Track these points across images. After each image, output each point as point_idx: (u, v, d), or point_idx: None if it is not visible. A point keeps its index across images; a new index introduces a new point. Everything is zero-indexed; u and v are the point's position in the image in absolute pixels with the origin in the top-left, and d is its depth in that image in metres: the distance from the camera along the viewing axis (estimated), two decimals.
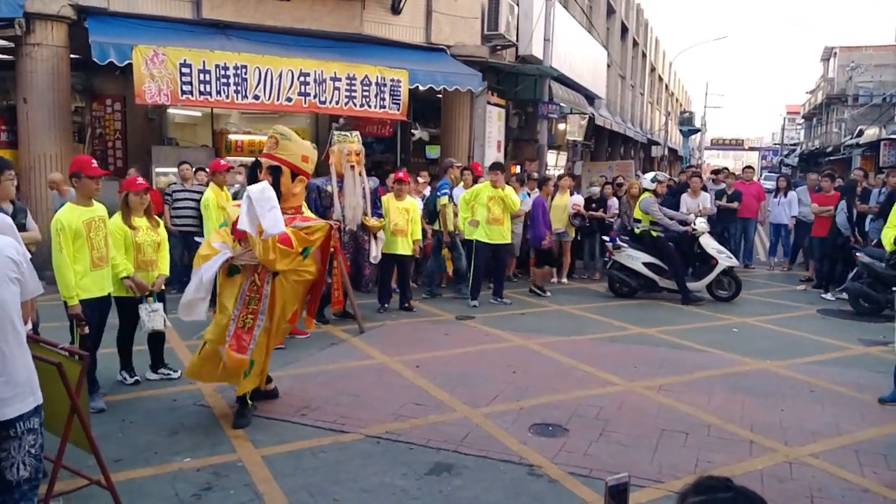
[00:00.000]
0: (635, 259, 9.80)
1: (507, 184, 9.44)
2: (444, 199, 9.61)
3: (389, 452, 4.45)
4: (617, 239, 10.01)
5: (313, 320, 5.38)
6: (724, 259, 9.79)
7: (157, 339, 5.83)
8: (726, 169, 14.00)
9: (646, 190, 10.07)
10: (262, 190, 4.48)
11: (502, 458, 4.40)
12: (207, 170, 8.85)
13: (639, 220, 10.04)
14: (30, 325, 3.80)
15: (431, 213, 9.78)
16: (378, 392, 5.52)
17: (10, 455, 2.75)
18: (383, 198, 8.79)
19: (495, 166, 9.32)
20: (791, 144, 69.96)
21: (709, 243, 9.89)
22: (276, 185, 4.70)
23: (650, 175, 10.49)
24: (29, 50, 9.41)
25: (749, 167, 13.84)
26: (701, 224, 9.97)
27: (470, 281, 9.22)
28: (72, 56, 10.03)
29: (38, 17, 9.30)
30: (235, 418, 4.82)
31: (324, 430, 4.79)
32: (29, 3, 9.13)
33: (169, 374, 5.92)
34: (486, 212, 8.94)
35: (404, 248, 8.53)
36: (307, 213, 5.37)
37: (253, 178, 4.93)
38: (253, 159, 11.49)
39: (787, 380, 6.21)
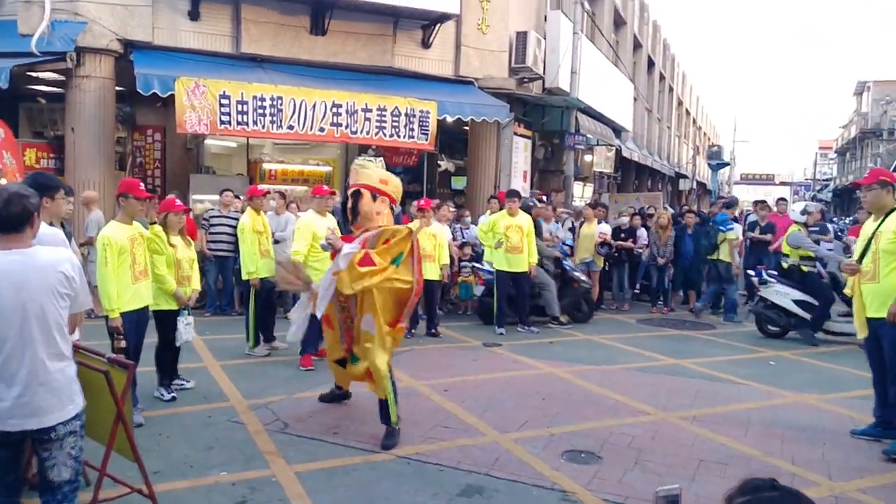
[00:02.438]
0: (785, 296, 9.17)
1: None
2: (731, 234, 10.51)
3: (420, 473, 4.48)
4: (764, 273, 9.53)
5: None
6: None
7: (174, 353, 6.03)
8: (764, 201, 13.81)
9: (795, 223, 9.54)
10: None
11: (534, 482, 4.39)
12: (242, 197, 9.07)
13: (787, 255, 9.49)
14: (77, 336, 3.94)
15: (714, 245, 10.48)
16: (406, 414, 5.52)
17: (52, 456, 2.88)
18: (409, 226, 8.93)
19: (511, 194, 9.40)
20: (824, 180, 69.25)
21: None
22: (355, 207, 5.12)
23: (800, 206, 10.28)
24: (78, 82, 9.82)
25: (782, 199, 13.73)
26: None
27: (494, 309, 9.29)
28: (116, 88, 10.40)
29: (87, 50, 9.72)
30: (384, 439, 4.93)
31: (355, 449, 4.84)
32: (80, 38, 9.55)
33: (182, 385, 6.14)
34: (505, 240, 9.02)
35: (432, 273, 8.61)
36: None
37: (345, 206, 5.42)
38: (286, 187, 11.84)
39: (828, 413, 6.09)
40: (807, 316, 9.11)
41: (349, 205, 5.19)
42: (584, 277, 10.19)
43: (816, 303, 9.08)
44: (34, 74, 10.81)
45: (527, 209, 9.69)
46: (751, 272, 10.00)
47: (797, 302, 9.19)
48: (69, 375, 2.95)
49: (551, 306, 9.60)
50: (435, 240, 8.72)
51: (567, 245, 11.13)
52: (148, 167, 12.92)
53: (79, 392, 3.00)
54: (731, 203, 11.54)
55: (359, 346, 5.08)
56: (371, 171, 5.26)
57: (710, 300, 11.06)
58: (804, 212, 9.85)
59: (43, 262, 2.85)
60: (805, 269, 9.23)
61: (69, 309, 2.96)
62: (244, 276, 7.44)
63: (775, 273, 9.64)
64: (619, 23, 23.21)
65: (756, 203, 13.84)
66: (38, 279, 2.81)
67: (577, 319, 10.09)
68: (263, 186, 8.93)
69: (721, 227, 10.47)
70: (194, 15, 10.32)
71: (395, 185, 5.38)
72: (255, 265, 7.34)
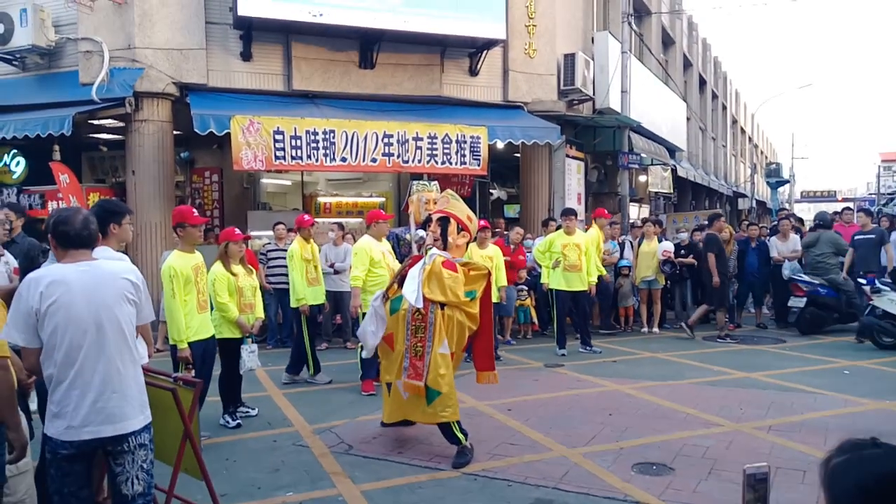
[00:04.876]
0: None
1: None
2: None
3: (487, 489, 4.39)
4: (876, 281, 9.23)
5: (488, 374, 5.43)
6: None
7: (237, 380, 6.07)
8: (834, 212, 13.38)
9: None
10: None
11: (605, 494, 4.26)
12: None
13: None
14: (146, 358, 4.01)
15: None
16: (471, 433, 5.40)
17: (125, 470, 2.92)
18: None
19: (567, 212, 9.31)
20: (889, 193, 66.77)
21: None
22: (444, 234, 5.16)
23: None
24: (137, 126, 10.17)
25: (848, 208, 13.28)
26: None
27: (554, 330, 9.16)
28: (174, 133, 10.76)
29: (145, 95, 10.07)
30: (455, 457, 4.85)
31: (420, 467, 4.78)
32: (138, 83, 9.92)
33: (247, 412, 6.15)
34: (563, 259, 8.91)
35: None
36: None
37: (425, 226, 5.45)
38: (341, 220, 11.97)
39: None
40: None
41: (431, 227, 5.22)
42: None
43: None
44: (95, 122, 11.25)
45: (828, 224, 10.22)
46: (862, 280, 9.59)
47: None
48: (140, 383, 3.02)
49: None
50: (491, 262, 8.65)
51: (625, 265, 10.91)
52: (207, 207, 13.26)
53: (147, 403, 3.05)
54: None
55: (433, 374, 4.89)
56: (461, 206, 5.41)
57: None
58: None
59: (110, 271, 2.98)
60: None
61: (136, 318, 3.04)
62: (293, 303, 7.44)
63: (889, 281, 9.24)
64: (667, 42, 23.03)
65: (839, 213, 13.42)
66: (108, 287, 2.92)
67: None
68: (309, 217, 8.84)
69: None
70: (246, 56, 10.63)
71: (475, 225, 5.55)
72: (303, 292, 7.35)
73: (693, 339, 9.94)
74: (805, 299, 10.09)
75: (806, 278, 10.11)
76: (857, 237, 9.98)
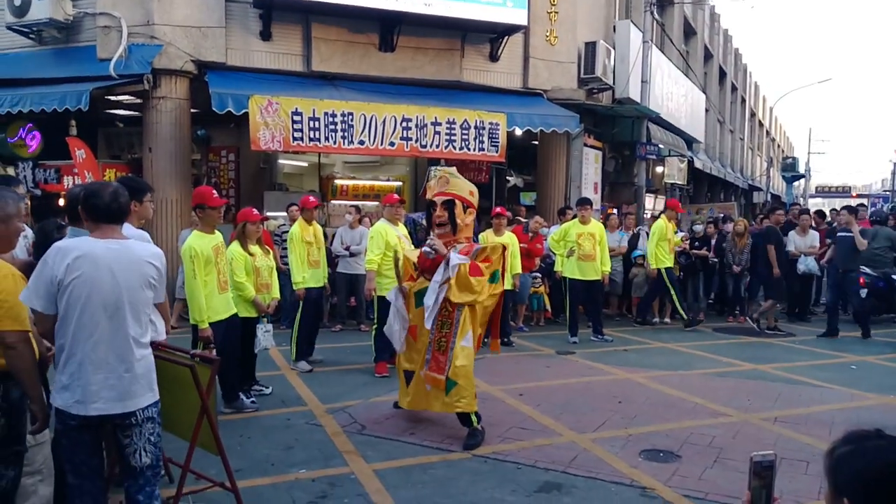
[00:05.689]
0: None
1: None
2: None
3: (497, 471, 4.45)
4: None
5: (498, 342, 5.79)
6: None
7: (250, 358, 6.15)
8: (835, 209, 13.34)
9: None
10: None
11: (613, 479, 4.32)
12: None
13: None
14: (164, 335, 4.08)
15: None
16: (483, 416, 5.47)
17: (133, 442, 2.98)
18: (482, 234, 8.92)
19: (583, 201, 9.30)
20: None
21: None
22: (451, 216, 5.13)
23: None
24: (155, 103, 10.20)
25: (861, 205, 13.21)
26: None
27: (567, 318, 9.19)
28: (191, 111, 10.80)
29: (163, 72, 10.09)
30: (466, 439, 4.93)
31: (431, 448, 4.86)
32: (156, 60, 9.95)
33: (261, 390, 6.22)
34: (577, 248, 8.93)
35: (505, 282, 8.56)
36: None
37: (428, 217, 5.39)
38: (357, 203, 12.03)
39: None
40: None
41: (437, 212, 5.17)
42: None
43: None
44: (112, 98, 11.30)
45: (884, 220, 10.16)
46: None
47: None
48: (150, 363, 3.07)
49: None
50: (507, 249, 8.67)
51: (639, 255, 10.90)
52: (223, 186, 13.34)
53: (154, 382, 3.09)
54: None
55: (452, 366, 4.93)
56: (461, 182, 5.34)
57: None
58: None
59: (138, 254, 3.02)
60: None
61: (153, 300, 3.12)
62: (294, 287, 7.22)
63: None
64: (689, 32, 22.81)
65: (832, 210, 13.37)
66: (134, 270, 2.96)
67: None
68: (314, 199, 8.60)
69: None
70: (266, 35, 10.63)
71: (477, 197, 5.48)
72: (302, 275, 7.11)
73: (762, 332, 9.96)
74: (866, 290, 10.18)
75: (868, 271, 10.13)
76: (839, 234, 10.00)
